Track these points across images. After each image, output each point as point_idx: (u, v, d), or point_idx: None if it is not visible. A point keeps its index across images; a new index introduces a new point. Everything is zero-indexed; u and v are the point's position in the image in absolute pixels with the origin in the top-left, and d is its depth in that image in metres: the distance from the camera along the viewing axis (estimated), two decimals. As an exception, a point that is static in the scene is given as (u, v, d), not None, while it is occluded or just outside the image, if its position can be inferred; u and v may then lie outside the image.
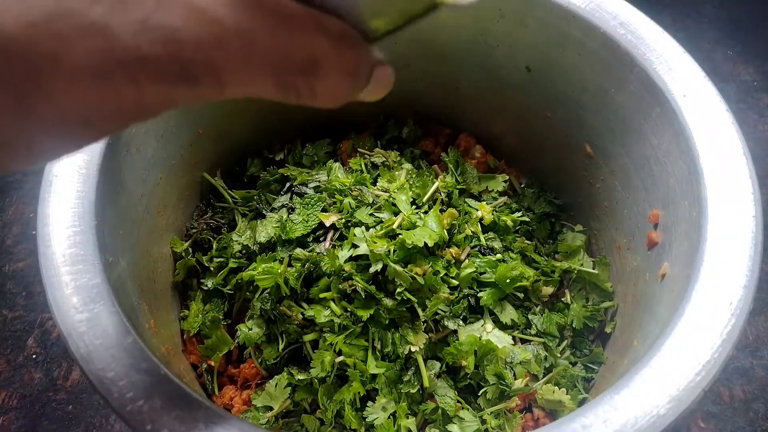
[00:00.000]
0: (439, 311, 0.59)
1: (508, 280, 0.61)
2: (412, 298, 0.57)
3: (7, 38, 0.20)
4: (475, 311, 0.62)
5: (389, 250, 0.58)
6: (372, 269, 0.57)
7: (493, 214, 0.68)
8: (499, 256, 0.65)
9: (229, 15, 0.24)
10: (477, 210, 0.68)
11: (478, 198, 0.73)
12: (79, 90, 0.22)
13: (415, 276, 0.57)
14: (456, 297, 0.60)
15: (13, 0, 0.21)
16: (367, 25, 0.29)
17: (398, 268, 0.57)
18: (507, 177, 0.76)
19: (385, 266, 0.57)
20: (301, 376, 0.58)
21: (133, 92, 0.23)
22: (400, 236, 0.58)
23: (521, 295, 0.64)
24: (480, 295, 0.61)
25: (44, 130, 0.23)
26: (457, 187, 0.70)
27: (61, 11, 0.21)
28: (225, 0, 0.24)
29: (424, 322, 0.59)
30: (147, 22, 0.22)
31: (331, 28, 0.27)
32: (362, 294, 0.57)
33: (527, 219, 0.72)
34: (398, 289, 0.57)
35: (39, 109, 0.22)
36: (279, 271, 0.59)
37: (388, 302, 0.57)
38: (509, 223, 0.68)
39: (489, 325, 0.61)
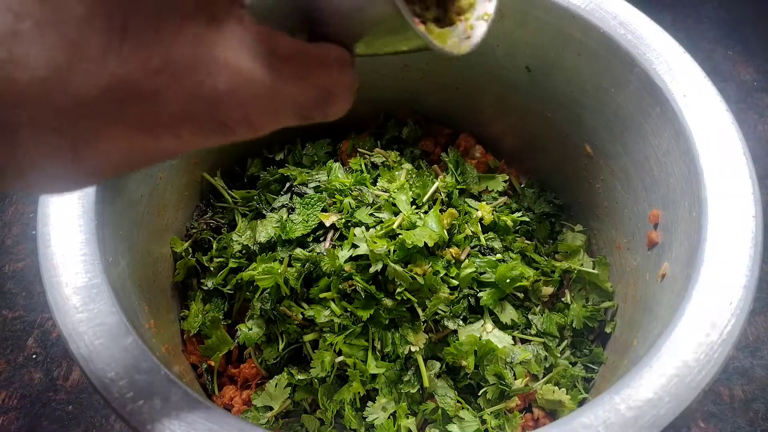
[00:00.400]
0: (439, 311, 0.59)
1: (508, 280, 0.61)
2: (412, 298, 0.57)
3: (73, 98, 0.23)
4: (475, 311, 0.62)
5: (389, 250, 0.58)
6: (372, 269, 0.57)
7: (493, 214, 0.68)
8: (499, 256, 0.65)
9: (258, 72, 0.26)
10: (477, 210, 0.68)
11: (478, 198, 0.73)
12: (126, 139, 0.25)
13: (415, 276, 0.57)
14: (456, 297, 0.60)
15: (67, 59, 0.22)
16: (354, 49, 0.32)
17: (398, 268, 0.57)
18: (507, 177, 0.76)
19: (385, 266, 0.57)
20: (301, 376, 0.58)
21: (174, 143, 0.26)
22: (400, 236, 0.58)
23: (521, 295, 0.64)
24: (480, 295, 0.61)
25: (93, 172, 0.26)
26: (457, 187, 0.70)
27: (121, 82, 0.23)
28: (252, 56, 0.26)
29: (424, 322, 0.59)
30: (197, 89, 0.25)
31: (332, 57, 0.30)
32: (362, 294, 0.57)
33: (527, 219, 0.72)
34: (398, 289, 0.57)
35: (90, 155, 0.25)
36: (279, 271, 0.59)
37: (388, 302, 0.57)
38: (509, 223, 0.68)
39: (489, 325, 0.61)
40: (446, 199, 0.68)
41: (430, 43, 0.29)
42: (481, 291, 0.62)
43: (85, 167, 0.25)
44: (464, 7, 0.34)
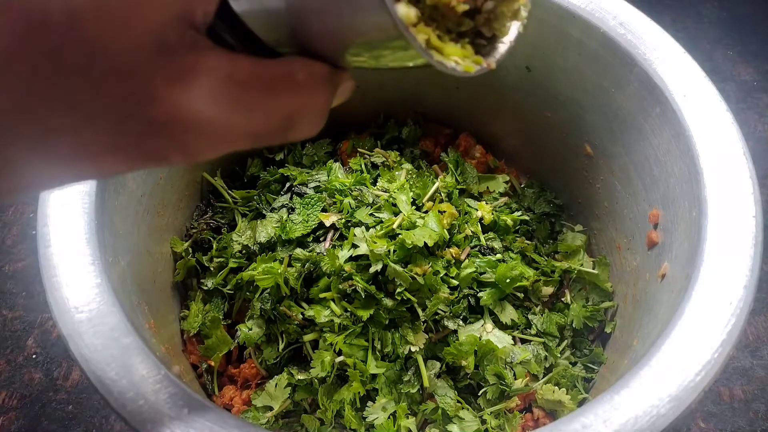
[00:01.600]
0: (439, 311, 0.59)
1: (508, 280, 0.61)
2: (412, 298, 0.57)
3: None
4: (475, 311, 0.62)
5: (389, 250, 0.58)
6: (372, 269, 0.57)
7: (493, 213, 0.68)
8: (499, 256, 0.65)
9: (205, 105, 0.24)
10: (477, 210, 0.68)
11: (478, 198, 0.73)
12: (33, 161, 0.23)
13: (415, 276, 0.57)
14: (456, 297, 0.60)
15: None
16: (342, 64, 0.29)
17: (398, 268, 0.57)
18: (507, 177, 0.76)
19: (385, 266, 0.57)
20: (301, 376, 0.58)
21: (91, 168, 0.24)
22: (400, 236, 0.58)
23: (521, 295, 0.64)
24: (480, 295, 0.61)
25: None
26: (457, 187, 0.70)
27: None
28: (202, 87, 0.24)
29: (424, 322, 0.59)
30: (130, 114, 0.23)
31: (301, 77, 0.27)
32: (362, 294, 0.57)
33: (527, 218, 0.72)
34: (398, 289, 0.57)
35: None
36: (279, 271, 0.59)
37: (388, 302, 0.57)
38: (509, 222, 0.68)
39: (489, 325, 0.61)
40: (446, 199, 0.68)
41: (432, 61, 0.26)
42: (481, 291, 0.62)
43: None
44: (496, 27, 0.31)
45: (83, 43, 0.21)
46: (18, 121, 0.22)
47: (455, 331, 0.60)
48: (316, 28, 0.26)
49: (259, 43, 0.28)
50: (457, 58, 0.28)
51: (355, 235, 0.60)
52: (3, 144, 0.22)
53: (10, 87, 0.21)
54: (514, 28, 0.32)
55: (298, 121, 0.27)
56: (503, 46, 0.31)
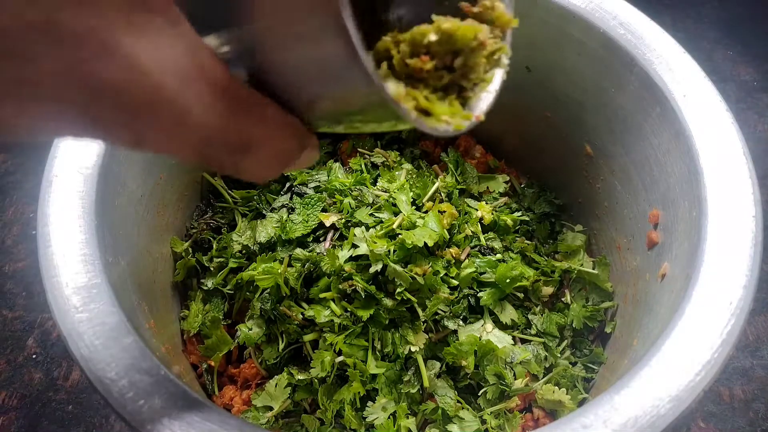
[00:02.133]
0: (439, 311, 0.59)
1: (508, 280, 0.61)
2: (412, 298, 0.57)
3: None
4: (475, 311, 0.62)
5: (389, 250, 0.58)
6: (372, 269, 0.57)
7: (492, 213, 0.68)
8: (499, 256, 0.65)
9: (172, 86, 0.23)
10: (477, 210, 0.68)
11: (478, 198, 0.73)
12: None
13: (415, 276, 0.57)
14: (456, 297, 0.60)
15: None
16: (312, 123, 0.29)
17: (398, 268, 0.57)
18: (507, 177, 0.76)
19: (385, 266, 0.57)
20: (301, 376, 0.58)
21: (38, 120, 0.23)
22: (400, 236, 0.58)
23: (521, 295, 0.64)
24: (480, 295, 0.61)
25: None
26: (457, 187, 0.70)
27: None
28: (176, 71, 0.23)
29: (424, 322, 0.59)
30: (86, 73, 0.22)
31: (273, 118, 0.27)
32: (362, 294, 0.57)
33: (527, 218, 0.72)
34: (398, 289, 0.57)
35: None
36: (279, 271, 0.59)
37: (388, 302, 0.57)
38: (509, 222, 0.68)
39: (489, 325, 0.61)
40: (446, 199, 0.68)
41: (424, 128, 0.26)
42: (481, 291, 0.62)
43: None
44: (474, 78, 0.31)
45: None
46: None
47: (455, 331, 0.60)
48: (293, 89, 0.26)
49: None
50: (447, 118, 0.28)
51: (355, 235, 0.60)
52: None
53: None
54: (498, 76, 0.32)
55: (250, 153, 0.26)
56: (488, 96, 0.31)
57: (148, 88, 0.23)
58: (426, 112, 0.27)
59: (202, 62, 0.24)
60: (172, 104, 0.23)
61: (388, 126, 0.27)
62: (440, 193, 0.68)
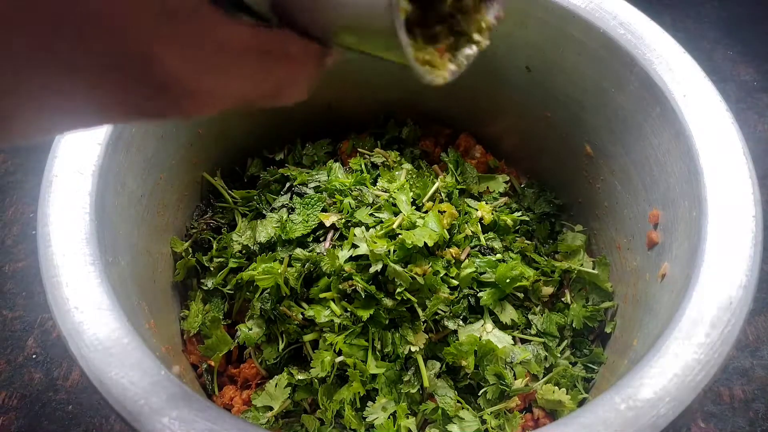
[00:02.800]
0: (439, 311, 0.59)
1: (508, 280, 0.61)
2: (412, 298, 0.57)
3: None
4: (475, 311, 0.62)
5: (389, 250, 0.58)
6: (372, 269, 0.57)
7: (492, 213, 0.67)
8: (499, 256, 0.65)
9: (205, 69, 0.25)
10: (477, 210, 0.68)
11: (478, 198, 0.73)
12: None
13: (415, 276, 0.57)
14: (456, 297, 0.60)
15: None
16: (330, 43, 0.30)
17: (398, 268, 0.57)
18: (507, 177, 0.76)
19: (385, 266, 0.57)
20: (301, 376, 0.58)
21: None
22: (400, 236, 0.58)
23: (521, 295, 0.64)
24: (480, 295, 0.61)
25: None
26: (457, 187, 0.70)
27: None
28: (203, 51, 0.24)
29: (423, 322, 0.59)
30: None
31: (293, 51, 0.28)
32: (362, 294, 0.57)
33: (527, 218, 0.72)
34: (398, 289, 0.57)
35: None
36: (279, 271, 0.59)
37: (388, 302, 0.57)
38: (509, 222, 0.68)
39: (489, 325, 0.61)
40: (446, 199, 0.68)
41: (410, 62, 0.27)
42: (481, 291, 0.62)
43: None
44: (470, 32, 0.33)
45: (80, 6, 0.22)
46: (24, 76, 0.23)
47: (455, 331, 0.60)
48: (312, 14, 0.27)
49: (251, 10, 0.29)
50: (437, 70, 0.30)
51: (355, 235, 0.60)
52: (14, 96, 0.23)
53: (10, 49, 0.22)
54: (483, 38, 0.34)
55: (285, 89, 0.29)
56: (470, 54, 0.34)
57: (191, 77, 0.25)
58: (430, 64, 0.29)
59: (230, 39, 0.25)
60: (211, 85, 0.25)
61: (381, 52, 0.28)
62: (440, 193, 0.68)
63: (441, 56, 0.31)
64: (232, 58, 0.26)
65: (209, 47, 0.25)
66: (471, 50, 0.33)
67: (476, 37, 0.33)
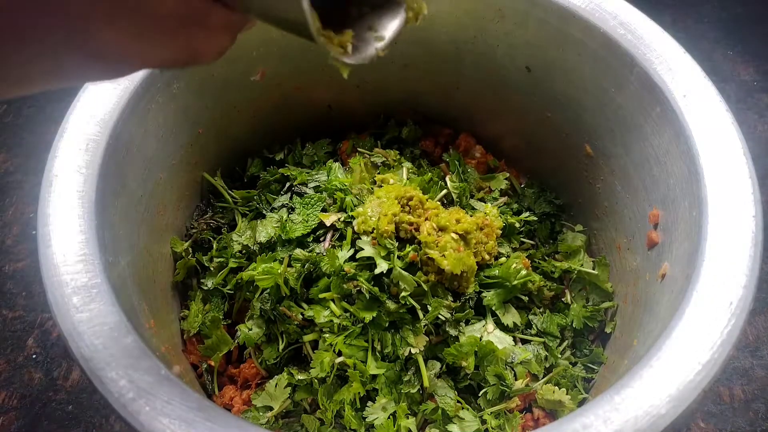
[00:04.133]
0: (441, 316, 0.58)
1: (515, 281, 0.61)
2: (416, 304, 0.57)
3: None
4: (478, 312, 0.62)
5: (398, 255, 0.57)
6: (377, 270, 0.57)
7: (500, 217, 0.67)
8: (503, 259, 0.65)
9: (132, 39, 0.28)
10: (483, 212, 0.67)
11: (481, 199, 0.73)
12: None
13: (420, 282, 0.57)
14: (459, 305, 0.60)
15: None
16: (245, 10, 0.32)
17: (404, 273, 0.57)
18: (507, 174, 0.76)
19: (390, 269, 0.57)
20: (301, 376, 0.58)
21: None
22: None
23: (526, 299, 0.64)
24: (484, 295, 0.61)
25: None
26: (466, 188, 0.70)
27: None
28: (133, 22, 0.28)
29: (424, 325, 0.58)
30: None
31: (212, 22, 0.31)
32: (366, 295, 0.57)
33: (534, 218, 0.72)
34: (402, 293, 0.57)
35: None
36: (279, 271, 0.59)
37: (390, 305, 0.57)
38: (516, 225, 0.68)
39: (490, 326, 0.61)
40: (457, 200, 0.68)
41: (314, 33, 0.30)
42: (484, 291, 0.61)
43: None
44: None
45: None
46: None
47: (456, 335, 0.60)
48: None
49: None
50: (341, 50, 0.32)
51: (360, 238, 0.59)
52: None
53: None
54: (395, 24, 0.35)
55: (202, 54, 0.32)
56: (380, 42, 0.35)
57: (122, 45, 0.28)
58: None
59: (156, 9, 0.28)
60: (138, 51, 0.29)
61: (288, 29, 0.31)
62: (451, 195, 0.68)
63: (348, 39, 0.33)
64: (159, 27, 0.29)
65: (141, 20, 0.28)
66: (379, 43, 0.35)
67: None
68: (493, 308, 0.61)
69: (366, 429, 0.56)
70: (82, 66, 0.30)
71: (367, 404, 0.56)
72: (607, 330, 0.65)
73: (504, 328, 0.62)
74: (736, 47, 1.13)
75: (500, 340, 0.60)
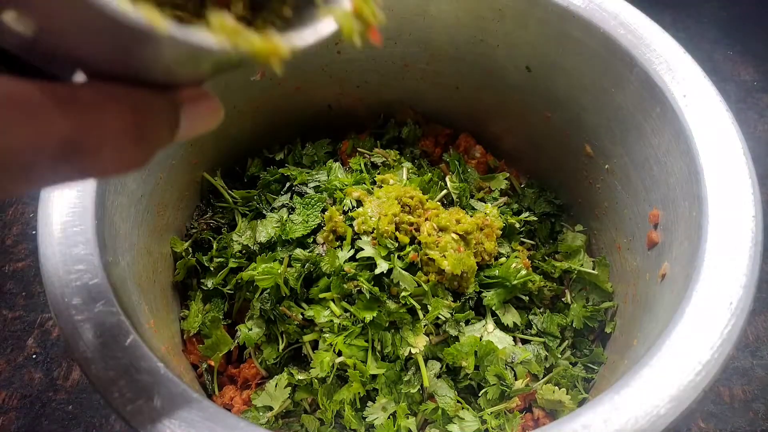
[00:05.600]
0: (441, 316, 0.59)
1: (515, 281, 0.61)
2: (416, 305, 0.57)
3: None
4: (478, 312, 0.62)
5: (398, 255, 0.58)
6: (377, 270, 0.57)
7: (501, 217, 0.67)
8: (503, 259, 0.65)
9: None
10: (484, 212, 0.68)
11: (481, 199, 0.73)
12: None
13: (420, 283, 0.57)
14: (459, 305, 0.60)
15: None
16: (169, 80, 0.26)
17: (405, 273, 0.57)
18: (507, 174, 0.76)
19: (390, 269, 0.57)
20: (301, 376, 0.58)
21: None
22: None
23: (526, 299, 0.64)
24: (484, 295, 0.61)
25: None
26: (466, 188, 0.70)
27: None
28: None
29: (424, 325, 0.58)
30: None
31: (84, 97, 0.23)
32: (367, 295, 0.57)
33: (534, 218, 0.72)
34: (402, 293, 0.57)
35: None
36: (279, 271, 0.59)
37: (391, 305, 0.57)
38: (516, 225, 0.68)
39: (490, 326, 0.61)
40: (458, 200, 0.68)
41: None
42: (485, 291, 0.61)
43: None
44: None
45: None
46: None
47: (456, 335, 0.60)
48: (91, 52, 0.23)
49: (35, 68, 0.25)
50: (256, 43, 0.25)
51: (360, 238, 0.59)
52: None
53: None
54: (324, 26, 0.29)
55: (82, 147, 0.23)
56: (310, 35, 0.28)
57: None
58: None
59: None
60: None
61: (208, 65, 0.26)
62: (451, 195, 0.68)
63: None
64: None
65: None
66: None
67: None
68: (493, 308, 0.61)
69: (366, 429, 0.56)
70: None
71: (367, 404, 0.56)
72: (607, 330, 0.65)
73: (504, 328, 0.62)
74: (736, 47, 1.13)
75: (500, 340, 0.60)
